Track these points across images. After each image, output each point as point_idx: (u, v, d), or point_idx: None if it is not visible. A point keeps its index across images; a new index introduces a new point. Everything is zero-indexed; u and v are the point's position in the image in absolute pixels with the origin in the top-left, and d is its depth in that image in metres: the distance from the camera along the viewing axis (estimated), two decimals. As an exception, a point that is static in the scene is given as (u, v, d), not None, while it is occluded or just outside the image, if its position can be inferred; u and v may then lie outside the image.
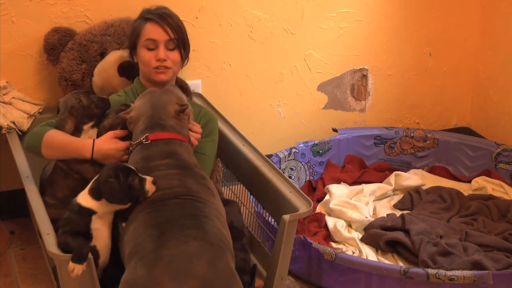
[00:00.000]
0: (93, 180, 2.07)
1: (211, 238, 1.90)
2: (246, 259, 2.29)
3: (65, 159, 2.31)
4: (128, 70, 2.68)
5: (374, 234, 2.77)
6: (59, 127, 2.36)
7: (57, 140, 2.31)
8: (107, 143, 2.27)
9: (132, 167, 2.04)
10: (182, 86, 2.67)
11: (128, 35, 2.61)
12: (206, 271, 1.82)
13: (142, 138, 2.14)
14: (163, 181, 2.04)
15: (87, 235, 2.02)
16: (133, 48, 2.54)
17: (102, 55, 2.71)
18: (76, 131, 2.35)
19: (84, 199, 2.05)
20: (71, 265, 1.94)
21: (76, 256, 1.95)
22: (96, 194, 2.03)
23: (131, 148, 2.18)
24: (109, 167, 2.07)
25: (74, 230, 2.00)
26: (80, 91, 2.42)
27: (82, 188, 2.11)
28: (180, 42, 2.50)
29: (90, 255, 1.97)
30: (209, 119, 2.54)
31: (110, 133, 2.29)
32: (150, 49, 2.47)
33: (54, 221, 2.13)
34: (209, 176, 2.52)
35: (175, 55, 2.50)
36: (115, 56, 2.69)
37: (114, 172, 2.02)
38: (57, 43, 2.73)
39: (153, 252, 1.84)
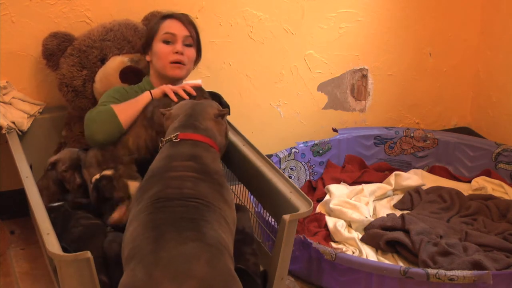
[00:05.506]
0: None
1: (209, 239, 1.89)
2: (257, 263, 2.29)
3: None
4: (130, 75, 2.67)
5: (374, 234, 2.77)
6: None
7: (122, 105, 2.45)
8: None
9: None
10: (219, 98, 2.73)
11: (145, 35, 2.64)
12: (205, 272, 1.81)
13: (172, 136, 2.16)
14: (176, 182, 2.03)
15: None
16: (147, 46, 2.56)
17: (103, 61, 2.69)
18: None
19: None
20: None
21: None
22: None
23: (161, 145, 2.19)
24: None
25: None
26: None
27: None
28: (196, 41, 2.56)
29: (90, 254, 1.96)
30: None
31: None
32: (167, 43, 2.51)
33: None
34: None
35: (191, 51, 2.54)
36: (116, 62, 2.68)
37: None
38: (56, 49, 2.71)
39: (152, 254, 1.83)
